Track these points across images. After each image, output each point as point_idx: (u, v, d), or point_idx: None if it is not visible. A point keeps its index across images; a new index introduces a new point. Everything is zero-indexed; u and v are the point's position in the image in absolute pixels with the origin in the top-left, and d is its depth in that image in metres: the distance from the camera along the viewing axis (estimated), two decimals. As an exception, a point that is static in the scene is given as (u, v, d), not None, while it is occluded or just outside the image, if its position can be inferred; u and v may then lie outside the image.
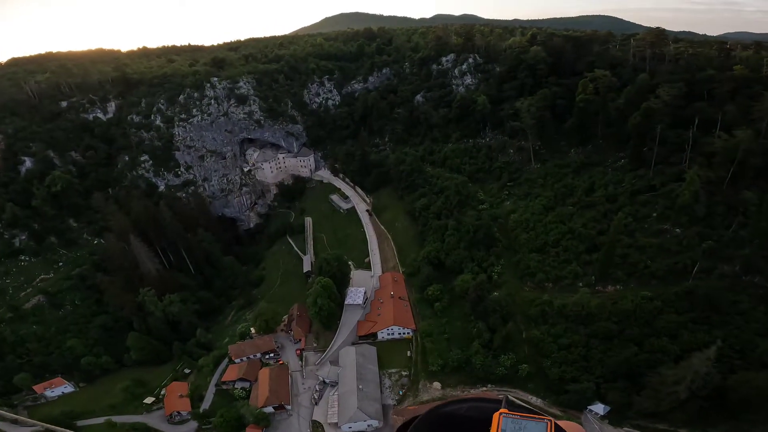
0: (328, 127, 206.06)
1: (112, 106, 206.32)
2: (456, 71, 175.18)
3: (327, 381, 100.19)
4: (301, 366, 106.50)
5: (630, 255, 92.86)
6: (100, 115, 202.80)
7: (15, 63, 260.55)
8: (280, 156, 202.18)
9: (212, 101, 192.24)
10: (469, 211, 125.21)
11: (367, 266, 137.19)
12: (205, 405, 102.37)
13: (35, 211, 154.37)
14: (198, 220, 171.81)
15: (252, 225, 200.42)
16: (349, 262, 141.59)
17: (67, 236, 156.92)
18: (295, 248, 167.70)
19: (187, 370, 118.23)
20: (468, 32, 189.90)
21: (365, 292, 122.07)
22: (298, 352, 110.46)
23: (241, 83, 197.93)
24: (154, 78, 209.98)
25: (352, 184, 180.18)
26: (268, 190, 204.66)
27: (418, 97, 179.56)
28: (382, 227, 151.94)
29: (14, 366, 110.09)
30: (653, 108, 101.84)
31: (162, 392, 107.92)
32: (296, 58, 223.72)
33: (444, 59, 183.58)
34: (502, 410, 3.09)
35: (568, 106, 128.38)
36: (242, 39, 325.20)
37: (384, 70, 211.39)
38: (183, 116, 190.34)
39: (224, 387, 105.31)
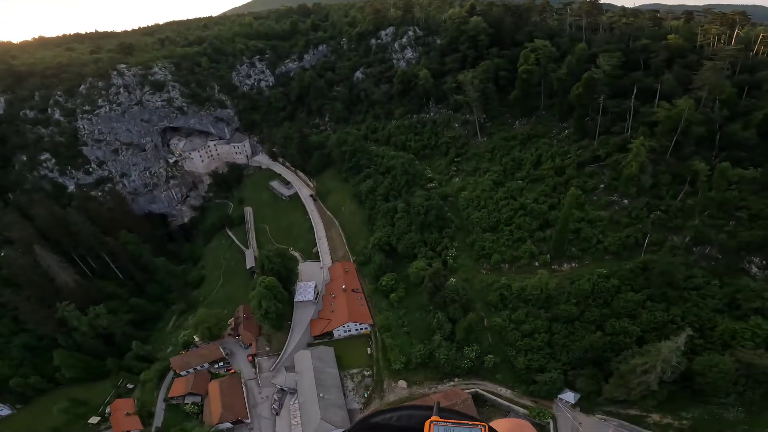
0: (263, 110, 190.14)
1: (0, 102, 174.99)
2: (396, 45, 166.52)
3: (285, 389, 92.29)
4: (256, 373, 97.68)
5: (582, 230, 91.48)
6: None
7: None
8: (211, 143, 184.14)
9: (121, 90, 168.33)
10: (418, 191, 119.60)
11: (316, 257, 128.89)
12: (157, 422, 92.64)
13: None
14: (119, 221, 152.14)
15: (186, 219, 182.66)
16: (296, 253, 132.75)
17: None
18: (236, 242, 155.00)
19: (130, 385, 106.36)
20: (407, 4, 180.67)
21: (316, 287, 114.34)
22: (250, 358, 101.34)
23: (156, 69, 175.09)
24: (48, 69, 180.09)
25: (293, 169, 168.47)
26: (201, 181, 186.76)
27: (358, 74, 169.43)
28: (329, 213, 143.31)
29: None
30: (594, 78, 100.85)
31: (107, 410, 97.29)
32: (221, 40, 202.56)
33: (383, 33, 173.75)
34: (433, 417, 3.00)
35: (511, 77, 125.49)
36: (161, 23, 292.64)
37: (320, 47, 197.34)
38: (87, 108, 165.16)
39: (174, 402, 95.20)
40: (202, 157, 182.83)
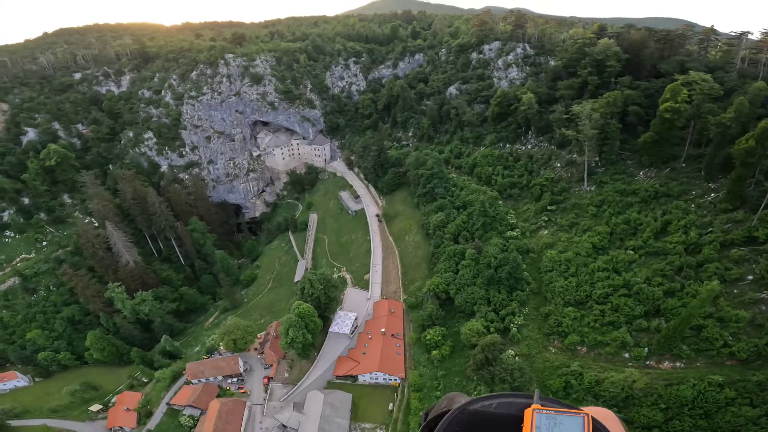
0: (349, 115, 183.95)
1: (126, 80, 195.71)
2: (500, 62, 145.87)
3: (287, 426, 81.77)
4: (265, 399, 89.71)
5: (707, 328, 67.32)
6: (114, 89, 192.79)
7: (60, 33, 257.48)
8: (294, 142, 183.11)
9: (224, 79, 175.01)
10: (494, 237, 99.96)
11: (366, 285, 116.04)
12: (152, 425, 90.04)
13: (27, 185, 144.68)
14: (194, 207, 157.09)
15: (258, 213, 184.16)
16: (347, 275, 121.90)
17: (58, 213, 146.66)
18: (295, 248, 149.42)
19: (145, 379, 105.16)
20: (519, 18, 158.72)
21: (355, 320, 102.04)
22: (266, 380, 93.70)
23: (258, 61, 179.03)
24: (170, 53, 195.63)
25: (365, 182, 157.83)
26: (278, 178, 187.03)
27: (452, 89, 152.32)
28: (391, 239, 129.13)
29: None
30: (777, 130, 70.72)
31: (113, 400, 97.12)
32: (323, 38, 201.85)
33: (486, 47, 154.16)
34: (534, 405, 2.91)
35: (645, 115, 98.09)
36: (282, 18, 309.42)
37: (416, 56, 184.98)
38: (193, 93, 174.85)
39: (176, 408, 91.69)
40: (284, 155, 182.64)
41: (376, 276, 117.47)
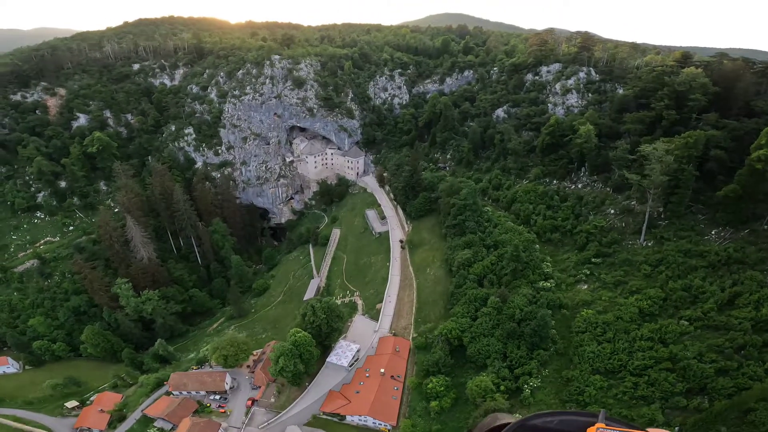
0: (387, 129, 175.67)
1: (179, 74, 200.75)
2: (557, 86, 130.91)
3: None
4: (243, 423, 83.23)
5: (757, 410, 55.97)
6: (167, 81, 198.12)
7: (138, 23, 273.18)
8: (329, 151, 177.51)
9: (267, 80, 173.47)
10: (524, 286, 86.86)
11: (376, 315, 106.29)
12: (121, 430, 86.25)
13: (65, 169, 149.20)
14: (220, 208, 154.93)
15: (284, 220, 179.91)
16: (359, 301, 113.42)
17: (90, 199, 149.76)
18: (312, 263, 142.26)
19: (131, 381, 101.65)
20: (586, 39, 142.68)
21: (357, 352, 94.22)
22: (250, 402, 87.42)
23: (303, 65, 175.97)
24: (222, 50, 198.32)
25: (394, 203, 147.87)
26: (308, 186, 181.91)
27: (500, 112, 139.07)
28: (411, 269, 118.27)
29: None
30: None
31: (92, 398, 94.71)
32: (371, 46, 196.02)
33: (544, 69, 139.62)
34: (599, 425, 2.88)
35: (730, 162, 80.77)
36: (338, 23, 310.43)
37: (466, 73, 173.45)
38: (236, 93, 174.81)
39: (150, 417, 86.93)
40: (317, 164, 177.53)
41: (388, 307, 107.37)
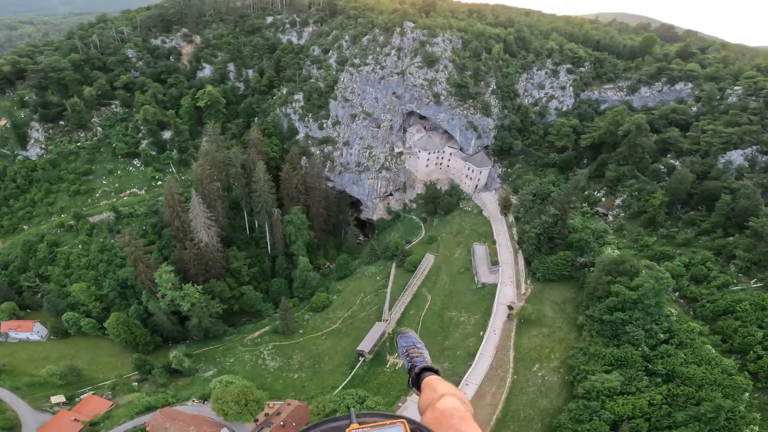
0: (531, 138, 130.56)
1: (307, 32, 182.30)
2: None
3: None
4: None
5: None
6: (294, 39, 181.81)
7: None
8: (448, 150, 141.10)
9: (393, 51, 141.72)
10: None
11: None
12: None
13: (171, 120, 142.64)
14: (305, 194, 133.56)
15: (375, 217, 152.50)
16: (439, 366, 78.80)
17: (187, 154, 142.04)
18: (387, 292, 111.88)
19: (134, 384, 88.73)
20: None
21: None
22: None
23: (439, 39, 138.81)
24: (354, 8, 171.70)
25: (517, 246, 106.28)
26: (412, 186, 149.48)
27: (735, 155, 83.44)
28: (511, 355, 79.89)
29: (2, 288, 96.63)
30: None
31: (81, 397, 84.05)
32: (532, 30, 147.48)
33: None
34: (352, 426, 2.89)
35: None
36: (491, 3, 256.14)
37: (677, 85, 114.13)
38: (356, 61, 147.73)
39: None
40: (429, 162, 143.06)
41: (469, 389, 71.16)
